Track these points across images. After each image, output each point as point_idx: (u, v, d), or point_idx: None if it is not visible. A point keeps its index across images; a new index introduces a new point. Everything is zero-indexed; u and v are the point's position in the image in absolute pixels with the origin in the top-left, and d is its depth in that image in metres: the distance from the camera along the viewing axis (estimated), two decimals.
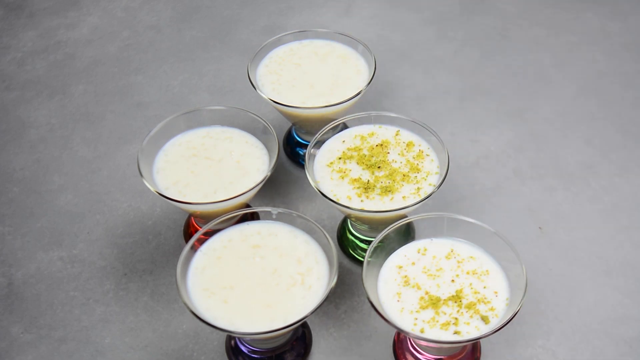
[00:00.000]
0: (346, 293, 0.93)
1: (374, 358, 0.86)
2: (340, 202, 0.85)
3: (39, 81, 1.23)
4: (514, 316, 0.73)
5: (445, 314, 0.76)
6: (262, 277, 0.79)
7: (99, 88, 1.22)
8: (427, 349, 0.83)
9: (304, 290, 0.78)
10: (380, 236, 0.80)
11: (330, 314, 0.90)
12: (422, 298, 0.77)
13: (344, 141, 0.93)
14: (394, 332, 0.88)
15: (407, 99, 1.18)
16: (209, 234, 0.83)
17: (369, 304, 0.76)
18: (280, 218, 0.84)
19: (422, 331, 0.75)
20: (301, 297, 0.77)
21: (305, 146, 1.06)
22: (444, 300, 0.77)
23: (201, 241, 0.82)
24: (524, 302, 0.75)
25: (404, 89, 1.20)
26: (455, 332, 0.75)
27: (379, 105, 1.16)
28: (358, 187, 0.87)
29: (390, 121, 0.94)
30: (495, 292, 0.78)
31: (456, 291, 0.78)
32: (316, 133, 0.92)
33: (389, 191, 0.86)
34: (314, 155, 0.91)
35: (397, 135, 0.93)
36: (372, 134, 0.93)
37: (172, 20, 1.36)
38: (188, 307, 0.75)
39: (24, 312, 0.91)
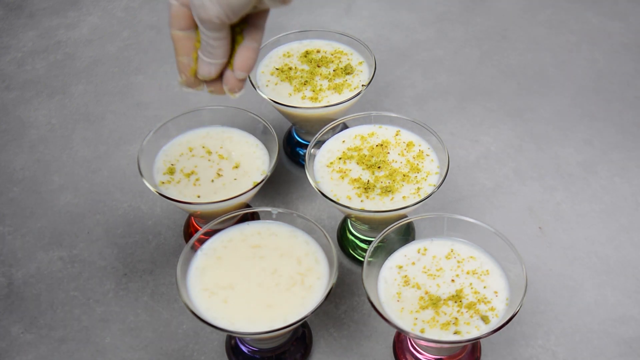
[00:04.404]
0: (346, 293, 0.92)
1: (374, 358, 0.86)
2: (340, 202, 0.85)
3: (39, 81, 1.23)
4: (514, 316, 0.73)
5: (445, 314, 0.76)
6: (262, 277, 0.79)
7: (99, 88, 1.22)
8: (427, 349, 0.83)
9: (304, 290, 0.78)
10: (380, 236, 0.80)
11: (330, 314, 0.90)
12: (422, 298, 0.77)
13: (344, 141, 0.93)
14: (394, 332, 0.88)
15: (407, 99, 1.18)
16: (209, 234, 0.83)
17: (369, 304, 0.76)
18: (280, 218, 0.84)
19: (422, 331, 0.75)
20: (301, 297, 0.77)
21: (305, 146, 1.06)
22: (444, 300, 0.77)
23: (201, 241, 0.82)
24: (524, 302, 0.75)
25: (404, 89, 1.20)
26: (456, 332, 0.75)
27: (379, 105, 1.16)
28: (358, 187, 0.87)
29: (390, 121, 0.94)
30: (495, 292, 0.78)
31: (456, 291, 0.78)
32: (316, 133, 0.92)
33: (389, 191, 0.86)
34: (314, 155, 0.91)
35: (397, 135, 0.93)
36: (372, 134, 0.93)
37: None
38: (188, 307, 0.75)
39: (24, 312, 0.91)
